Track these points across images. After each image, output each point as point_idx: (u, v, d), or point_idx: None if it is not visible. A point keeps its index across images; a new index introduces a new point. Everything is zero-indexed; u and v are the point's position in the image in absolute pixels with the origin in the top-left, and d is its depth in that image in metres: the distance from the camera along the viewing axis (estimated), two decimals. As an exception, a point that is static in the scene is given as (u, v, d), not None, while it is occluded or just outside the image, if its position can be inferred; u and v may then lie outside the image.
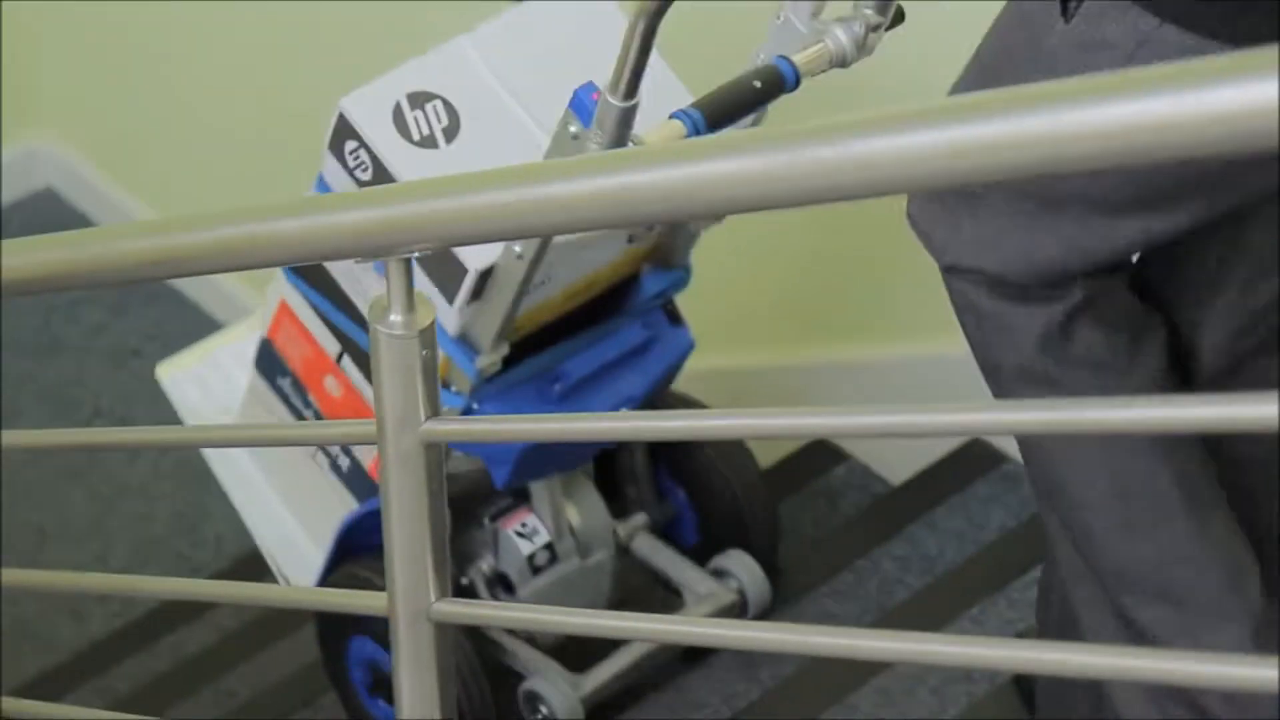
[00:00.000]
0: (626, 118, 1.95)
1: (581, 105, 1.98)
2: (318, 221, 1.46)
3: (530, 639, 2.52)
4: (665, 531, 2.65)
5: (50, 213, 4.43)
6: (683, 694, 2.56)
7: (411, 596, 1.55)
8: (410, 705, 1.59)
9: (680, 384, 2.56)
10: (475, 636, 2.45)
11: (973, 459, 2.75)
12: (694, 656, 2.59)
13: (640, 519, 2.61)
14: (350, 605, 1.73)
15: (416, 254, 1.41)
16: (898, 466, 2.87)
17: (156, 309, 4.18)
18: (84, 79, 4.29)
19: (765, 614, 2.54)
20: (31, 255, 1.74)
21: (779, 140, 1.14)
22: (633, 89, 1.92)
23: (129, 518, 3.78)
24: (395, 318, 1.45)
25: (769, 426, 1.60)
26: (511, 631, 2.51)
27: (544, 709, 2.43)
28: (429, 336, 1.46)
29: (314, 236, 1.47)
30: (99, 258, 1.67)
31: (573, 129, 2.00)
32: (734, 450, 2.61)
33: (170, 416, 2.80)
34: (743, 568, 2.55)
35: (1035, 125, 1.01)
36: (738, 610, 2.52)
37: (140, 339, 4.14)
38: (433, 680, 1.59)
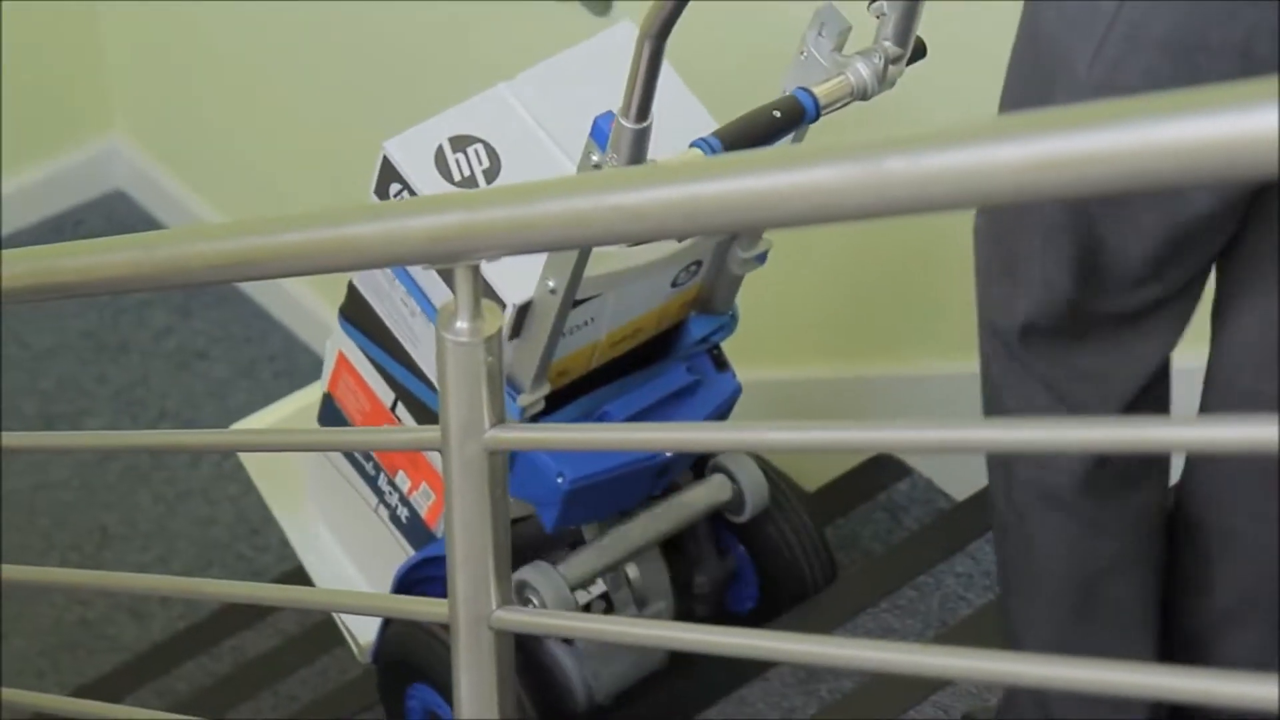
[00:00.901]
0: (640, 139, 1.97)
1: (600, 132, 2.01)
2: (389, 226, 1.46)
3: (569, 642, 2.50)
4: (724, 591, 2.62)
5: (120, 215, 4.47)
6: (741, 707, 2.55)
7: (472, 603, 1.55)
8: (469, 710, 1.59)
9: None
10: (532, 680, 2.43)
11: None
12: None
13: (699, 583, 2.57)
14: (412, 612, 1.73)
15: (485, 260, 1.41)
16: (961, 482, 2.85)
17: (222, 312, 4.20)
18: (155, 82, 4.32)
19: None
20: (101, 257, 1.75)
21: (840, 153, 1.13)
22: (644, 111, 1.94)
23: (192, 520, 3.80)
24: (462, 324, 1.45)
25: (830, 439, 1.59)
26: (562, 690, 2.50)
27: (534, 599, 2.38)
28: (495, 344, 1.46)
29: (385, 241, 1.47)
30: (168, 260, 1.68)
31: (594, 157, 2.02)
32: (793, 508, 2.59)
33: (232, 418, 2.82)
34: None
35: (1123, 140, 1.00)
36: None
37: (206, 342, 4.16)
38: (492, 686, 1.59)
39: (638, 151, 1.98)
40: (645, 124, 1.96)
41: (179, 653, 3.31)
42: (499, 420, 1.48)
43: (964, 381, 2.77)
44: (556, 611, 1.57)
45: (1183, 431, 1.23)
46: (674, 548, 2.59)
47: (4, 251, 1.81)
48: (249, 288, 4.21)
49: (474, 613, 1.55)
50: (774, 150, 1.20)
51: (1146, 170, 1.00)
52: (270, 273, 1.65)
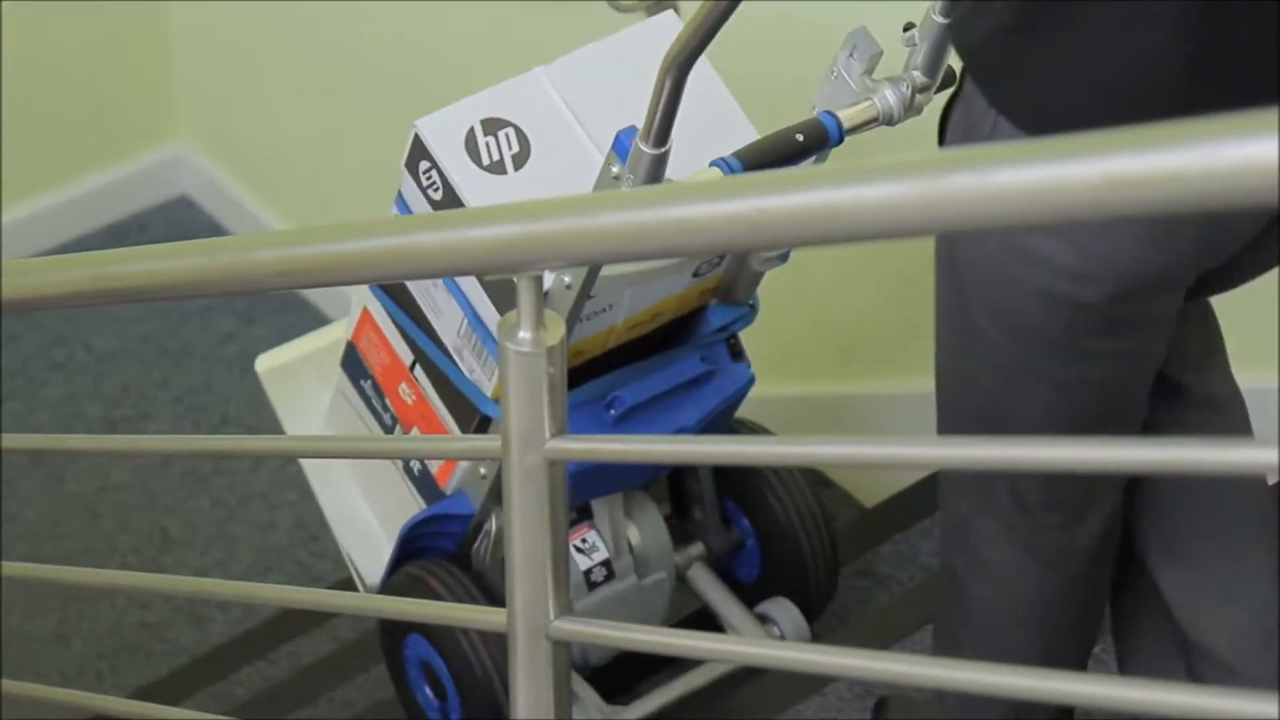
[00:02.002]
0: (658, 164, 1.98)
1: (622, 147, 2.01)
2: (451, 236, 1.46)
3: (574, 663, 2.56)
4: (728, 560, 2.70)
5: (184, 220, 4.49)
6: (798, 722, 2.55)
7: (531, 613, 1.55)
8: (525, 717, 1.59)
9: (777, 407, 2.57)
10: (493, 599, 2.48)
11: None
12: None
13: (697, 549, 2.66)
14: (470, 620, 1.73)
15: (548, 270, 1.41)
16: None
17: (285, 319, 4.21)
18: (222, 89, 4.34)
19: None
20: (165, 262, 1.75)
21: (907, 169, 1.13)
22: (663, 138, 1.95)
23: (251, 525, 3.81)
24: (524, 334, 1.45)
25: (886, 455, 1.58)
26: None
27: None
28: (557, 354, 1.46)
29: (446, 251, 1.47)
30: (231, 266, 1.68)
31: (614, 169, 2.03)
32: (797, 486, 2.65)
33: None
34: (786, 616, 2.61)
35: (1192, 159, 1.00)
36: None
37: (269, 348, 4.17)
38: (549, 696, 1.59)
39: (654, 175, 1.99)
40: (664, 149, 1.97)
41: (237, 657, 3.32)
42: (560, 430, 1.48)
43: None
44: (615, 623, 1.56)
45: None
46: (677, 515, 2.69)
47: (69, 256, 1.82)
48: (312, 294, 4.23)
49: (532, 623, 1.55)
50: (839, 166, 1.19)
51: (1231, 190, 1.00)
52: (333, 280, 1.65)
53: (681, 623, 2.71)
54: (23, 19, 4.08)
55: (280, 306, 4.25)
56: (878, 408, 3.19)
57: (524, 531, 1.52)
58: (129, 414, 4.04)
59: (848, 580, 2.82)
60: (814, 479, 2.89)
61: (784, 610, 2.61)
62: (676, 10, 2.36)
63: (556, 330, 1.46)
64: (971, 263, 1.79)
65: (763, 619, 2.62)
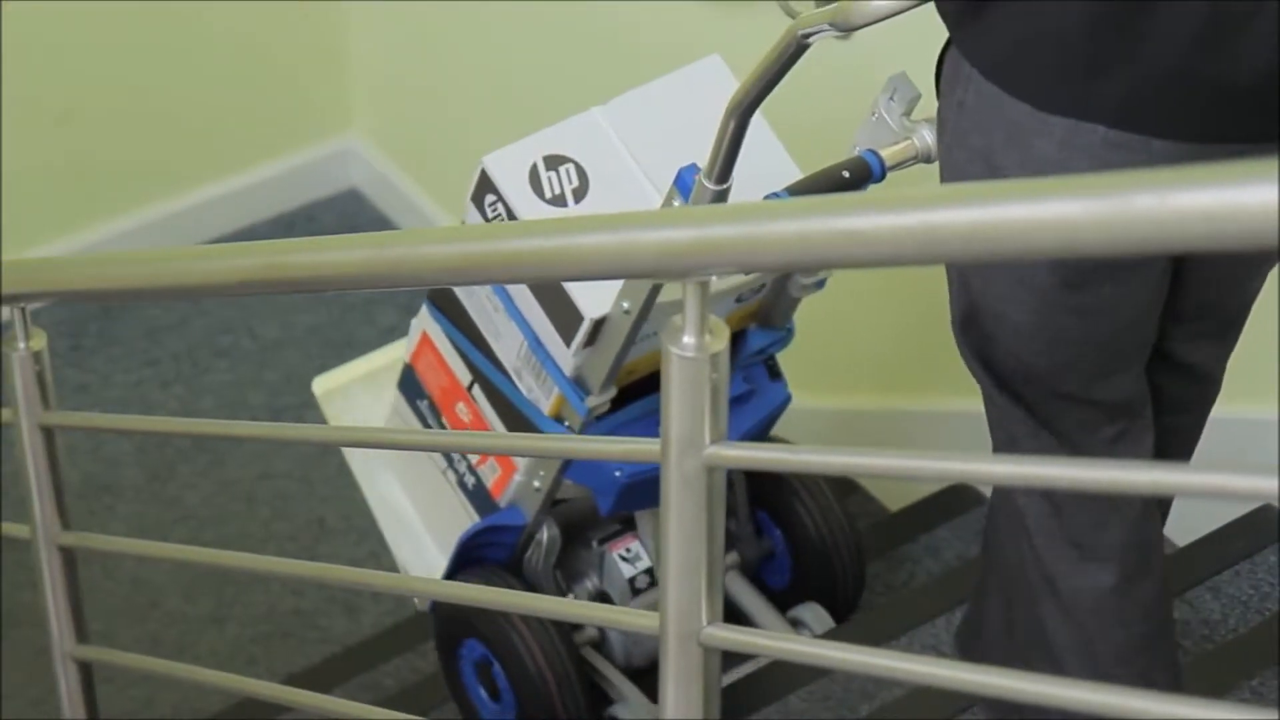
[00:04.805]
0: (719, 199, 2.15)
1: (684, 184, 2.18)
2: (620, 239, 1.46)
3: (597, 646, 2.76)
4: (760, 568, 2.87)
5: (352, 213, 4.53)
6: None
7: (683, 618, 1.55)
8: (674, 725, 1.58)
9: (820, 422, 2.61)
10: (568, 643, 2.66)
11: (1263, 525, 2.68)
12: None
13: (732, 558, 2.82)
14: (623, 623, 1.73)
15: (716, 276, 1.40)
16: (1185, 529, 2.80)
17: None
18: (395, 84, 4.38)
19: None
20: (334, 254, 1.77)
21: (1086, 188, 1.11)
22: (725, 175, 2.12)
23: (406, 518, 3.84)
24: (689, 340, 1.45)
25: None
26: (603, 650, 2.76)
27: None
28: (721, 361, 1.45)
29: (615, 254, 1.47)
30: (399, 261, 1.69)
31: (676, 204, 2.19)
32: (824, 497, 2.82)
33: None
34: (818, 620, 2.78)
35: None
36: None
37: (431, 343, 4.20)
38: (699, 702, 1.58)
39: None
40: (725, 186, 2.14)
41: (387, 648, 3.35)
42: (720, 437, 1.48)
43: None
44: (766, 631, 1.56)
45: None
46: None
47: (241, 244, 1.85)
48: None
49: (684, 628, 1.55)
50: (1014, 182, 1.18)
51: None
52: (498, 278, 1.66)
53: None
54: (206, 11, 4.14)
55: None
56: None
57: (680, 537, 1.52)
58: (291, 403, 4.09)
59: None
60: (840, 486, 3.11)
61: (815, 614, 2.78)
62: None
63: (721, 337, 1.45)
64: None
65: (795, 622, 2.78)
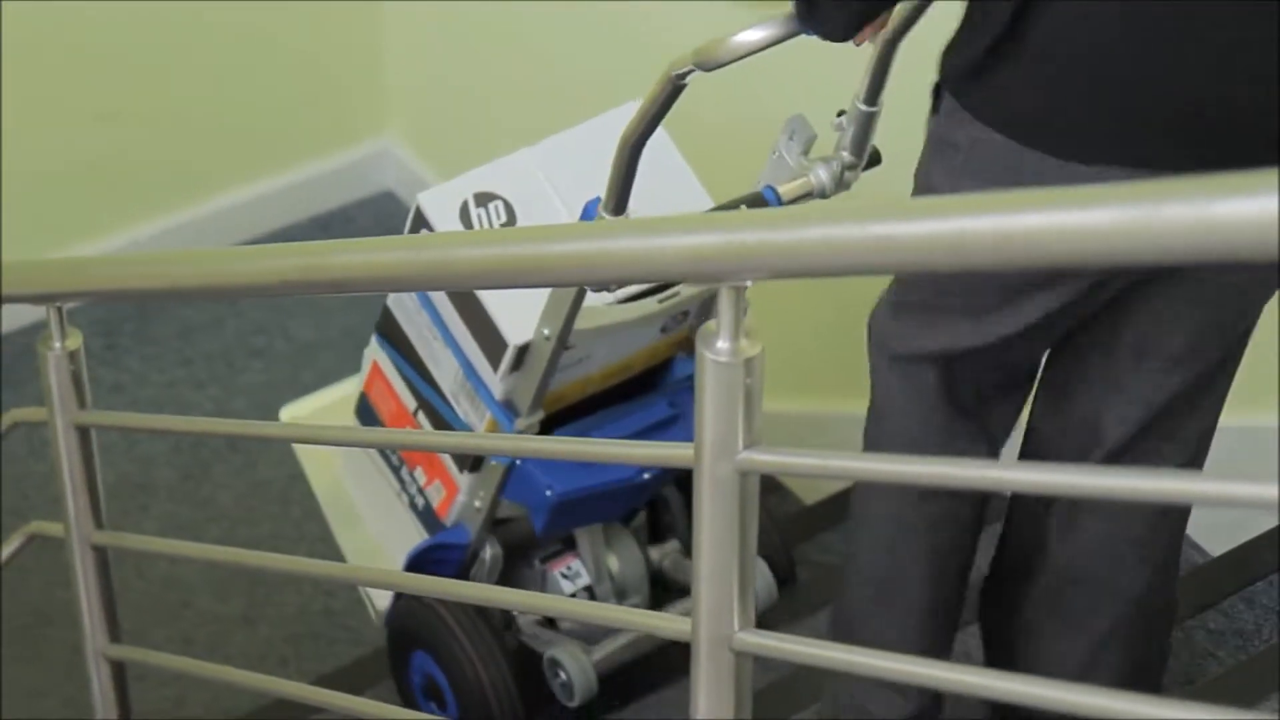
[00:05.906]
0: None
1: (588, 215, 2.29)
2: (654, 243, 1.46)
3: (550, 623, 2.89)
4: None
5: (388, 215, 4.54)
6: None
7: (715, 623, 1.54)
8: (705, 731, 1.58)
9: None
10: (488, 620, 2.79)
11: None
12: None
13: (672, 544, 2.93)
14: (656, 627, 1.73)
15: (750, 282, 1.40)
16: (1217, 537, 2.79)
17: (483, 317, 4.24)
18: (430, 87, 4.38)
19: (768, 611, 2.83)
20: (370, 255, 1.77)
21: (1119, 196, 1.11)
22: (621, 206, 2.21)
23: (439, 520, 3.84)
24: (723, 344, 1.44)
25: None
26: (539, 620, 2.89)
27: (563, 674, 2.74)
28: (755, 366, 1.45)
29: (648, 258, 1.47)
30: (434, 263, 1.70)
31: None
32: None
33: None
34: (760, 578, 2.84)
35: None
36: None
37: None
38: (730, 707, 1.58)
39: None
40: (623, 216, 2.23)
41: (419, 650, 3.34)
42: (753, 442, 1.47)
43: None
44: (802, 638, 1.56)
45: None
46: (652, 541, 2.98)
47: (276, 245, 1.85)
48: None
49: (716, 633, 1.55)
50: (1048, 190, 1.17)
51: None
52: (533, 281, 1.66)
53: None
54: (244, 14, 4.15)
55: (477, 305, 4.28)
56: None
57: (712, 542, 1.51)
58: (325, 404, 4.09)
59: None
60: (765, 483, 3.14)
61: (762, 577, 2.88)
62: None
63: (755, 343, 1.45)
64: None
65: None
